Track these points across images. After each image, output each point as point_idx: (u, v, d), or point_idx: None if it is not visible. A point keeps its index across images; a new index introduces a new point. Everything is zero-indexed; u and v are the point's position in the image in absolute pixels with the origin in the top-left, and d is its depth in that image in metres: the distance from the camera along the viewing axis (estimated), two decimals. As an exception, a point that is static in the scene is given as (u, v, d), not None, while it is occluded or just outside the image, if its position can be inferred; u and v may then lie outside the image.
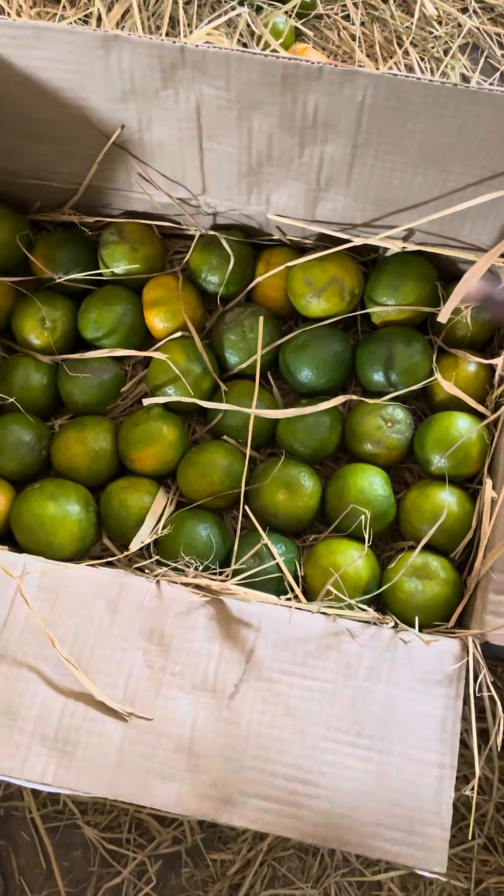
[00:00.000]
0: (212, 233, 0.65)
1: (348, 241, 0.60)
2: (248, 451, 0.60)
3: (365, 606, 0.57)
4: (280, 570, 0.60)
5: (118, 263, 0.67)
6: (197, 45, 0.50)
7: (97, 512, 0.64)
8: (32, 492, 0.62)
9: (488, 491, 0.58)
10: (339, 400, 0.62)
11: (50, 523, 0.61)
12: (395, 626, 0.56)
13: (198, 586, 0.57)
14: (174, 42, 0.51)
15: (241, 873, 0.80)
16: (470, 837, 0.77)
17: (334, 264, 0.63)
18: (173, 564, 0.58)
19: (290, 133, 0.55)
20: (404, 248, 0.60)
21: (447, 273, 0.66)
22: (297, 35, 0.93)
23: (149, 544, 0.62)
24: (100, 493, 0.66)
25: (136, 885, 0.79)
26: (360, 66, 0.94)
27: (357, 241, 0.59)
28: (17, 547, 0.63)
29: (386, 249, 0.65)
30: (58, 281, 0.67)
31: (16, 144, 0.61)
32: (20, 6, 0.72)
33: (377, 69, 0.90)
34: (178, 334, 0.66)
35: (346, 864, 0.79)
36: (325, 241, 0.66)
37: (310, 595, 0.61)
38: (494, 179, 0.54)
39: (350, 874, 0.79)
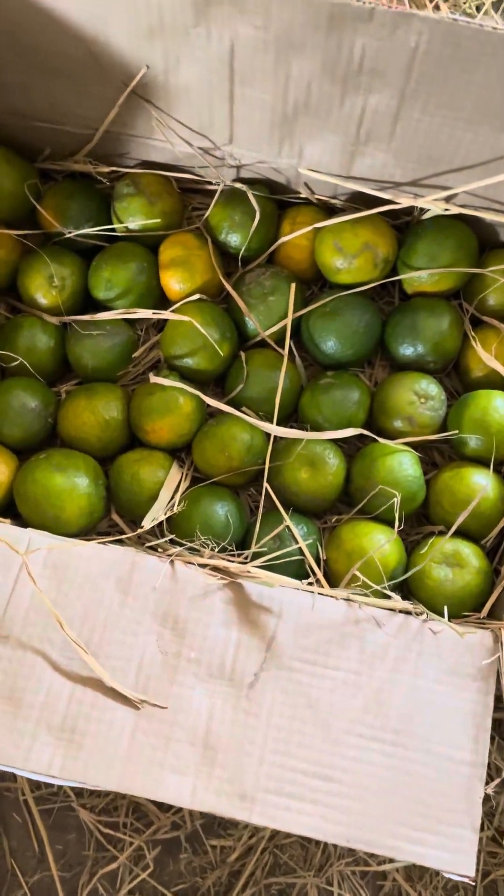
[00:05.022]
0: (237, 185, 0.60)
1: (389, 201, 0.56)
2: (274, 426, 0.56)
3: (393, 594, 0.54)
4: (301, 553, 0.57)
5: (133, 218, 0.62)
6: None
7: (106, 485, 0.60)
8: (38, 462, 0.58)
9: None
10: (350, 432, 0.58)
11: (57, 496, 0.57)
12: (424, 615, 0.52)
13: (215, 568, 0.54)
14: (210, -29, 0.46)
15: (242, 860, 0.77)
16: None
17: (368, 228, 0.59)
18: (188, 544, 0.55)
19: (331, 80, 0.50)
20: (447, 210, 0.56)
21: (487, 240, 0.62)
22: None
23: (161, 522, 0.58)
24: (108, 465, 0.62)
25: (132, 871, 0.77)
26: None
27: (404, 202, 0.55)
28: (19, 520, 0.59)
29: (423, 212, 0.60)
30: (68, 236, 0.62)
31: (27, 81, 0.56)
32: None
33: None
34: (197, 296, 0.62)
35: (350, 854, 0.77)
36: (358, 201, 0.62)
37: (332, 580, 0.58)
38: None
39: (354, 864, 0.77)
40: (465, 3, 0.90)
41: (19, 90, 0.57)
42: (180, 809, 0.77)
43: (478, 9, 0.90)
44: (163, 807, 0.77)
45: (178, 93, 0.55)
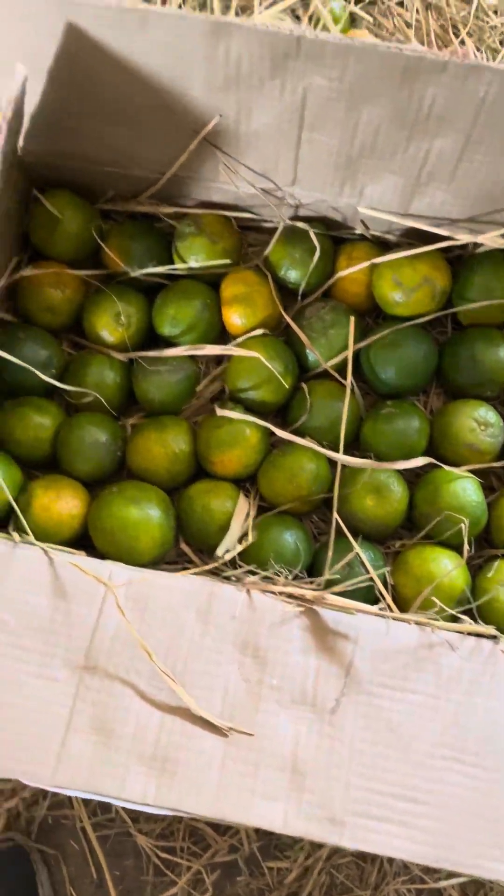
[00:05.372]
0: (299, 224, 0.62)
1: (447, 237, 0.58)
2: (342, 455, 0.58)
3: (464, 617, 0.55)
4: (372, 579, 0.58)
5: (196, 257, 0.64)
6: (317, 35, 0.48)
7: (176, 516, 0.62)
8: (112, 495, 0.59)
9: None
10: (419, 462, 0.60)
11: (133, 528, 0.58)
12: (495, 637, 0.54)
13: (291, 595, 0.55)
14: (290, 31, 0.48)
15: (299, 881, 0.78)
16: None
17: (426, 263, 0.61)
18: (263, 574, 0.56)
19: (399, 126, 0.53)
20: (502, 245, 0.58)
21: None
22: (353, 21, 0.91)
23: (232, 549, 0.60)
24: (172, 495, 0.64)
25: (190, 895, 0.78)
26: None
27: (463, 238, 0.57)
28: (93, 551, 0.61)
29: (476, 246, 0.63)
30: (133, 275, 0.64)
31: (98, 129, 0.58)
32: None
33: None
34: (261, 331, 0.64)
35: (405, 872, 0.78)
36: (412, 236, 0.64)
37: (400, 604, 0.60)
38: None
39: (410, 881, 0.78)
40: (489, 38, 0.93)
41: (90, 138, 0.59)
42: (237, 832, 0.78)
43: (502, 43, 0.93)
44: (219, 829, 0.79)
45: (247, 139, 0.57)
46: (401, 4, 0.93)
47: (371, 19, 0.90)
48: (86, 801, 0.79)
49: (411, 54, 0.47)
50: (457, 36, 0.93)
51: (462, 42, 0.92)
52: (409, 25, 0.92)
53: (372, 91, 0.50)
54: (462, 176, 0.56)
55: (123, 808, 0.79)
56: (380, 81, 0.49)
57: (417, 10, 0.92)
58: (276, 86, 0.52)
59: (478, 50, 0.92)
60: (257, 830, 0.78)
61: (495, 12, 0.94)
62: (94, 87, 0.54)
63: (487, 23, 0.94)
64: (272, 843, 0.79)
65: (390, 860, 0.79)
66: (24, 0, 0.48)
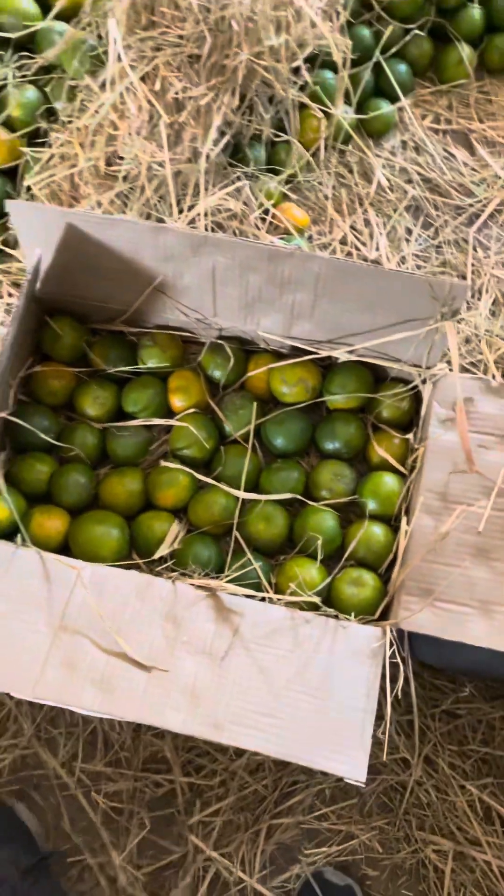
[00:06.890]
0: (219, 341, 0.94)
1: (314, 352, 0.89)
2: (242, 493, 0.88)
3: (319, 604, 0.83)
4: (258, 577, 0.86)
5: (152, 360, 0.95)
6: (215, 232, 0.80)
7: (130, 534, 0.91)
8: (85, 518, 0.88)
9: (403, 526, 0.85)
10: (286, 496, 0.89)
11: (98, 540, 0.87)
12: (337, 616, 0.81)
13: (201, 586, 0.83)
14: (203, 232, 0.80)
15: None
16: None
17: (302, 368, 0.92)
18: (182, 571, 0.84)
19: (272, 286, 0.85)
20: (350, 357, 0.89)
21: (378, 375, 0.95)
22: (284, 196, 1.25)
23: (167, 556, 0.88)
24: (131, 521, 0.92)
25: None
26: (331, 219, 1.26)
27: (324, 353, 0.89)
28: (71, 556, 0.89)
29: (336, 358, 0.94)
30: (109, 371, 0.95)
31: (88, 281, 0.91)
32: (87, 181, 1.03)
33: (344, 221, 1.21)
34: (192, 410, 0.94)
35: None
36: (297, 350, 0.95)
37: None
38: (406, 323, 0.83)
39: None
40: (385, 207, 1.27)
41: (83, 285, 0.91)
42: (173, 781, 1.01)
43: (395, 210, 1.27)
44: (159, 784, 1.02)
45: (182, 289, 0.89)
46: (321, 183, 1.28)
47: (295, 195, 1.25)
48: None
49: (271, 248, 0.80)
50: (361, 206, 1.27)
51: (365, 210, 1.26)
52: (326, 198, 1.27)
53: (253, 265, 0.82)
54: (318, 315, 0.87)
55: (81, 772, 1.03)
56: (256, 261, 0.82)
57: (333, 187, 1.27)
58: (196, 261, 0.84)
59: (377, 215, 1.26)
60: (190, 786, 1.02)
61: (390, 189, 1.29)
62: (84, 258, 0.87)
63: (385, 197, 1.28)
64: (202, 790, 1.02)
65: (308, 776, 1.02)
66: (42, 212, 0.81)
